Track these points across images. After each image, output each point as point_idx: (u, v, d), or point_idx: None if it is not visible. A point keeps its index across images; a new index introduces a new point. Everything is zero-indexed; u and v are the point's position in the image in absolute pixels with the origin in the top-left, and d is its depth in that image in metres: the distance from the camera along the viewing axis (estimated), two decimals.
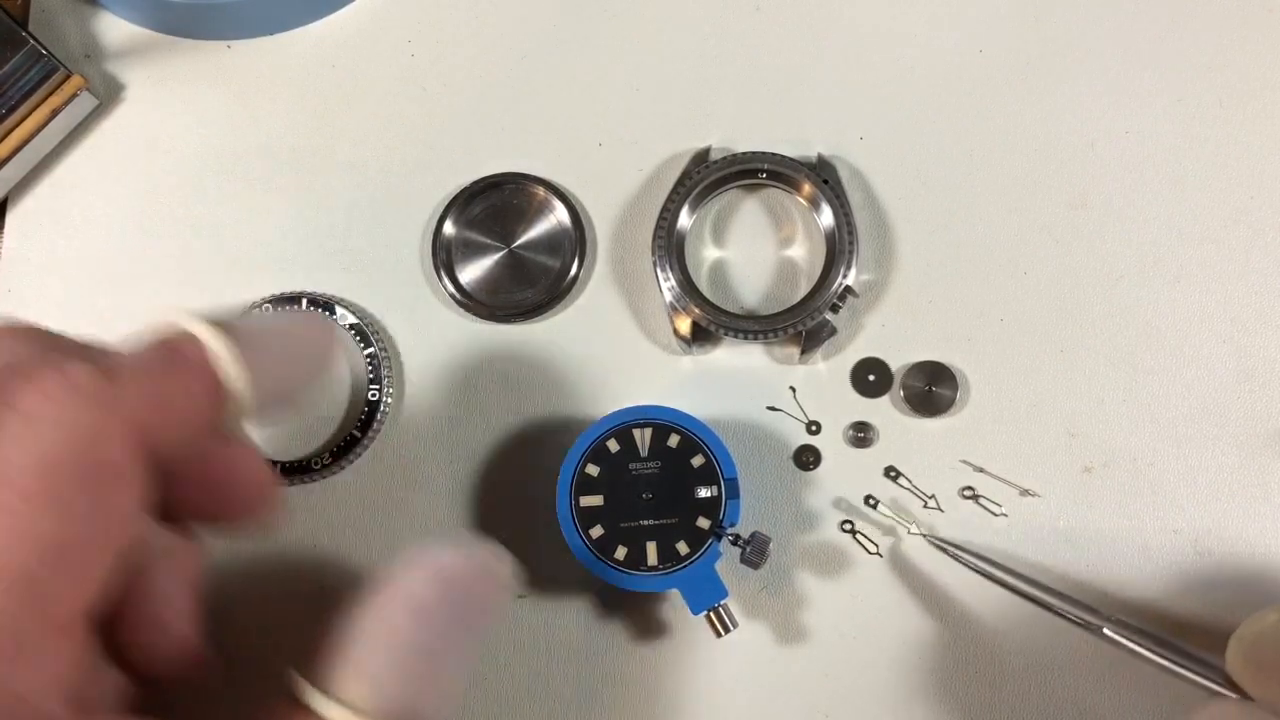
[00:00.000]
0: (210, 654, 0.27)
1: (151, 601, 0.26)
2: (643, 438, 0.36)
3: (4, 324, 0.24)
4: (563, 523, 0.36)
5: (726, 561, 0.36)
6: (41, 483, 0.20)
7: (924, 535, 0.37)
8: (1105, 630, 0.31)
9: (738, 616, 0.36)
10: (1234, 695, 0.25)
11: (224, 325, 0.25)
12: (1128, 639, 0.30)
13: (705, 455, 0.36)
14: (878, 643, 0.38)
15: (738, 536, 0.35)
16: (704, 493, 0.36)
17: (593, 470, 0.36)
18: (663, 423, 0.36)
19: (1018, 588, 0.34)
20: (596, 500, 0.36)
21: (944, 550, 0.36)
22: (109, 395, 0.22)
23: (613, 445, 0.36)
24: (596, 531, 0.35)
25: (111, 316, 0.41)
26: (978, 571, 0.35)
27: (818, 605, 0.38)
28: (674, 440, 0.36)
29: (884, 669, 0.37)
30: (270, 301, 0.40)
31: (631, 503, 0.36)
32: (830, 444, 0.39)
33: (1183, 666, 0.28)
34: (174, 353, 0.24)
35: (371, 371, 0.39)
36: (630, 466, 0.36)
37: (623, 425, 0.36)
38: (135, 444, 0.22)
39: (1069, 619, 0.32)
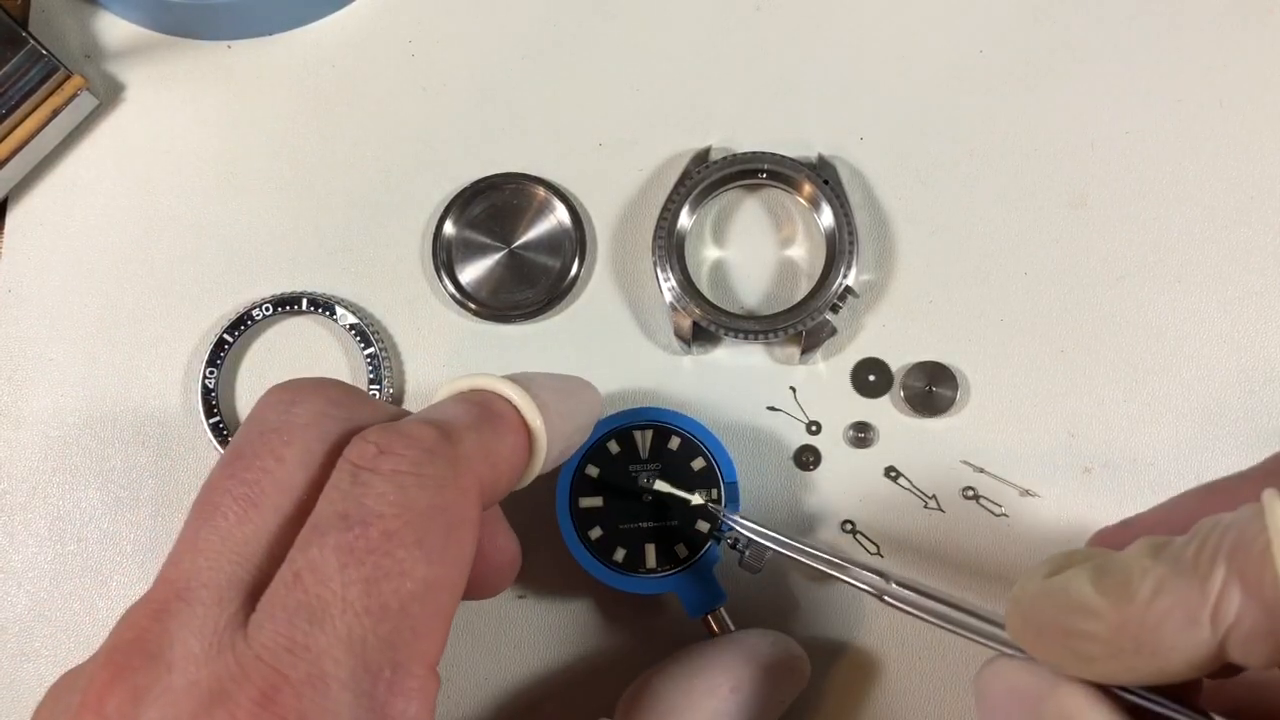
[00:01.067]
0: None
1: None
2: (643, 439, 0.36)
3: (309, 381, 0.27)
4: (562, 524, 0.35)
5: (724, 564, 0.36)
6: (412, 531, 0.22)
7: (709, 505, 0.35)
8: (885, 598, 0.30)
9: (738, 619, 0.36)
10: (1014, 652, 0.25)
11: (521, 384, 0.28)
12: (906, 605, 0.30)
13: (706, 458, 0.36)
14: (878, 644, 0.38)
15: (736, 540, 0.35)
16: (701, 500, 0.35)
17: (592, 471, 0.36)
18: (664, 425, 0.36)
19: (796, 557, 0.33)
20: (596, 502, 0.36)
21: (738, 530, 0.34)
22: (453, 453, 0.24)
23: (613, 447, 0.36)
24: (595, 533, 0.35)
25: (111, 316, 0.41)
26: (763, 542, 0.33)
27: (817, 606, 0.38)
28: (674, 443, 0.36)
29: (884, 669, 0.37)
30: (270, 301, 0.40)
31: (631, 505, 0.35)
32: (830, 444, 0.39)
33: (965, 629, 0.28)
34: (491, 412, 0.27)
35: (372, 371, 0.39)
36: (630, 468, 0.36)
37: (623, 427, 0.36)
38: (475, 495, 0.24)
39: (857, 586, 0.31)
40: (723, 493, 0.35)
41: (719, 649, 0.33)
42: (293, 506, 0.23)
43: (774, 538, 0.33)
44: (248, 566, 0.22)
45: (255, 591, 0.22)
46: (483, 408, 0.27)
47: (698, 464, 0.36)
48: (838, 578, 0.32)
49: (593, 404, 0.33)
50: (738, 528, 0.34)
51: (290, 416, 0.25)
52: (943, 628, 0.29)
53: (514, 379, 0.28)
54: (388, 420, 0.25)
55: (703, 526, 0.35)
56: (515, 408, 0.27)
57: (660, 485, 0.36)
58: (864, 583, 0.31)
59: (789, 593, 0.38)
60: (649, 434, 0.36)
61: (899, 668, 0.37)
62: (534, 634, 0.38)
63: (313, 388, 0.26)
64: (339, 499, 0.23)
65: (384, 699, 0.21)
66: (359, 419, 0.25)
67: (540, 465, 0.28)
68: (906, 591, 0.30)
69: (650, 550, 0.35)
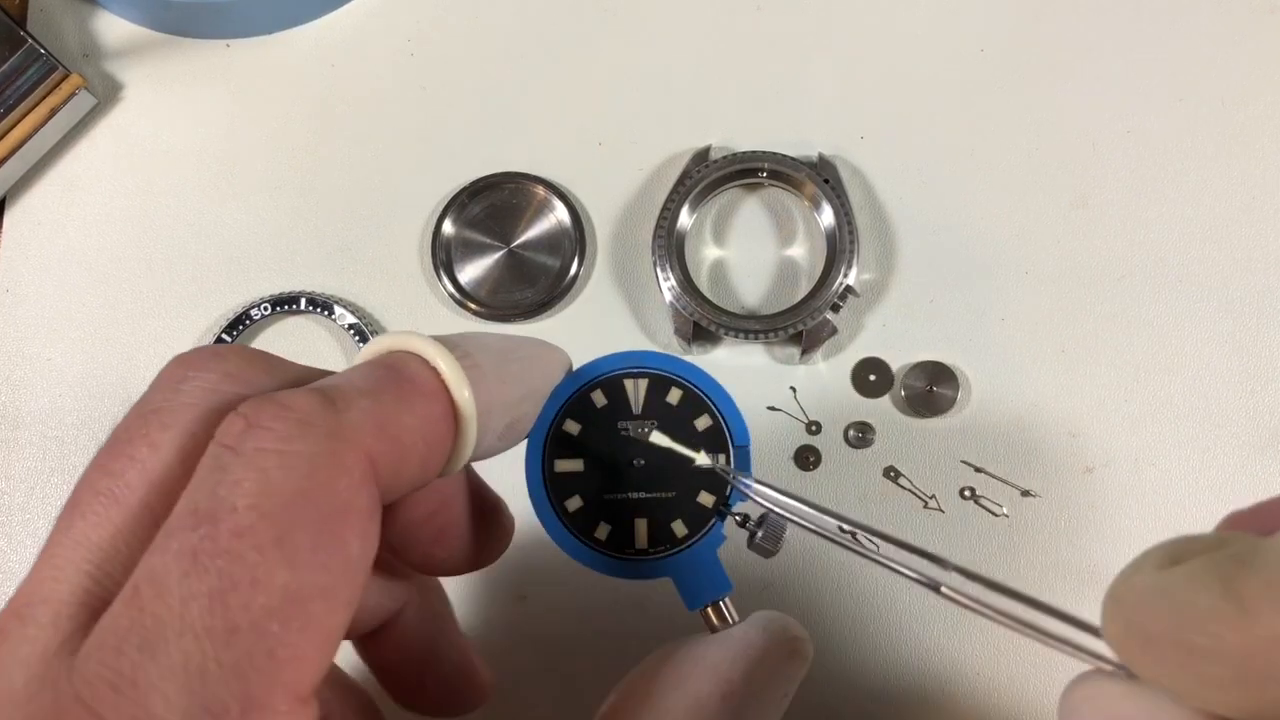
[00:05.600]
0: (490, 677, 0.27)
1: (422, 640, 0.26)
2: (635, 390, 0.29)
3: (208, 351, 0.22)
4: (532, 491, 0.29)
5: (727, 549, 0.33)
6: (269, 525, 0.18)
7: (718, 468, 0.29)
8: (942, 589, 0.24)
9: (742, 610, 0.32)
10: (1111, 667, 0.19)
11: (450, 344, 0.23)
12: (967, 599, 0.23)
13: (713, 416, 0.29)
14: (876, 644, 0.37)
15: (746, 517, 0.29)
16: (709, 461, 0.29)
17: (572, 428, 0.29)
18: (662, 373, 0.29)
19: (831, 537, 0.26)
20: (575, 465, 0.29)
21: (756, 500, 0.28)
22: (333, 424, 0.19)
23: (598, 398, 0.29)
24: (574, 504, 0.29)
25: (109, 316, 0.41)
26: (792, 517, 0.27)
27: (816, 606, 0.38)
28: (675, 396, 0.29)
29: (883, 670, 0.37)
30: (269, 301, 0.40)
31: (619, 470, 0.29)
32: (831, 444, 0.39)
33: (1043, 633, 0.21)
34: (399, 375, 0.21)
35: None
36: (619, 425, 0.29)
37: (611, 373, 0.29)
38: (364, 478, 0.19)
39: (904, 575, 0.25)
40: (732, 459, 0.29)
41: (702, 650, 0.27)
42: (164, 504, 0.19)
43: (805, 511, 0.26)
44: (98, 577, 0.19)
45: (103, 608, 0.18)
46: (389, 370, 0.21)
47: (703, 423, 0.29)
48: (883, 564, 0.25)
49: (549, 365, 0.27)
50: (758, 499, 0.27)
51: (177, 395, 0.21)
52: (1013, 629, 0.22)
53: (442, 339, 0.23)
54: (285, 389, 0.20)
55: (706, 500, 0.29)
56: (435, 371, 0.22)
57: (658, 438, 0.29)
58: (914, 571, 0.25)
59: (791, 588, 0.38)
60: (643, 384, 0.29)
61: (904, 665, 0.37)
62: (534, 633, 0.38)
63: (209, 358, 0.21)
64: (194, 490, 0.18)
65: None
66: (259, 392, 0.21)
67: (472, 441, 0.22)
68: (968, 582, 0.23)
69: (641, 526, 0.29)
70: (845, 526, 0.26)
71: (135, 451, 0.20)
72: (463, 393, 0.22)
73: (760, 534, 0.29)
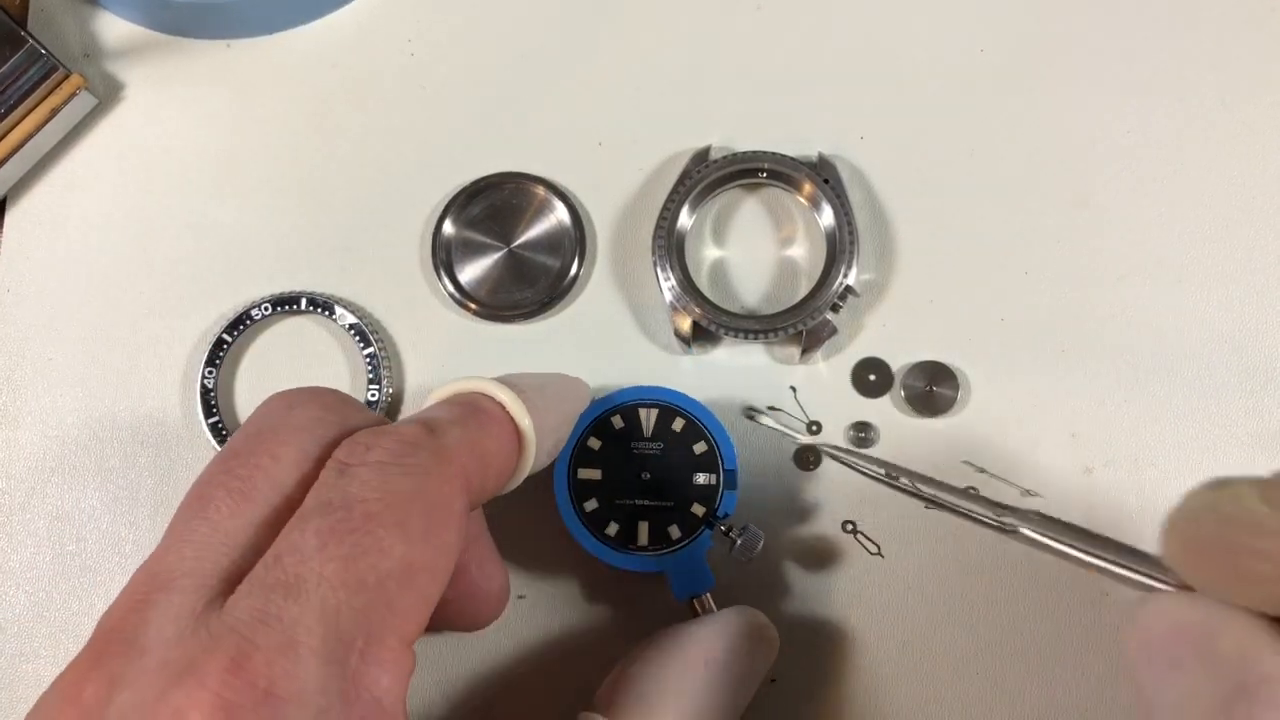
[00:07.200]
0: None
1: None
2: (648, 418, 0.36)
3: (307, 389, 0.28)
4: (558, 493, 0.36)
5: (714, 551, 0.35)
6: (393, 513, 0.23)
7: (821, 446, 0.36)
8: (1022, 530, 0.28)
9: (723, 605, 0.35)
10: (1171, 588, 0.22)
11: (508, 383, 0.29)
12: (1048, 536, 0.27)
13: (708, 443, 0.36)
14: (877, 644, 0.37)
15: (730, 528, 0.35)
16: (702, 480, 0.36)
17: (594, 444, 0.36)
18: (669, 405, 0.36)
19: (921, 492, 0.31)
20: (595, 474, 0.36)
21: (840, 460, 0.33)
22: (436, 446, 0.25)
23: (617, 421, 0.36)
24: (591, 505, 0.36)
25: (110, 316, 0.41)
26: (876, 479, 0.32)
27: (817, 606, 0.38)
28: (679, 424, 0.36)
29: (884, 670, 0.37)
30: (270, 301, 0.40)
31: (629, 481, 0.36)
32: (831, 444, 0.39)
33: (1112, 562, 0.25)
34: (476, 409, 0.28)
35: (371, 371, 0.39)
36: (632, 445, 0.36)
37: (629, 403, 0.36)
38: (460, 487, 0.25)
39: (982, 522, 0.29)
40: (721, 479, 0.36)
41: (691, 628, 0.33)
42: (284, 502, 0.24)
43: (875, 470, 0.32)
44: (233, 556, 0.23)
45: (238, 580, 0.22)
46: (468, 405, 0.28)
47: (699, 448, 0.36)
48: (957, 508, 0.29)
49: (578, 394, 0.34)
50: (845, 461, 0.32)
51: (287, 419, 0.26)
52: (1082, 562, 0.26)
53: (499, 379, 0.29)
54: (378, 425, 0.27)
55: (698, 510, 0.36)
56: (501, 405, 0.28)
57: (766, 421, 0.38)
58: (992, 518, 0.28)
59: (792, 588, 0.38)
60: (654, 413, 0.36)
61: (904, 666, 0.37)
62: (522, 615, 0.38)
63: (310, 394, 0.27)
64: (324, 490, 0.23)
65: (356, 667, 0.21)
66: (352, 424, 0.26)
67: (531, 461, 0.29)
68: (1046, 525, 0.27)
69: (643, 528, 0.35)
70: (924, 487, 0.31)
71: (259, 460, 0.24)
72: (524, 421, 0.28)
73: (739, 543, 0.34)
